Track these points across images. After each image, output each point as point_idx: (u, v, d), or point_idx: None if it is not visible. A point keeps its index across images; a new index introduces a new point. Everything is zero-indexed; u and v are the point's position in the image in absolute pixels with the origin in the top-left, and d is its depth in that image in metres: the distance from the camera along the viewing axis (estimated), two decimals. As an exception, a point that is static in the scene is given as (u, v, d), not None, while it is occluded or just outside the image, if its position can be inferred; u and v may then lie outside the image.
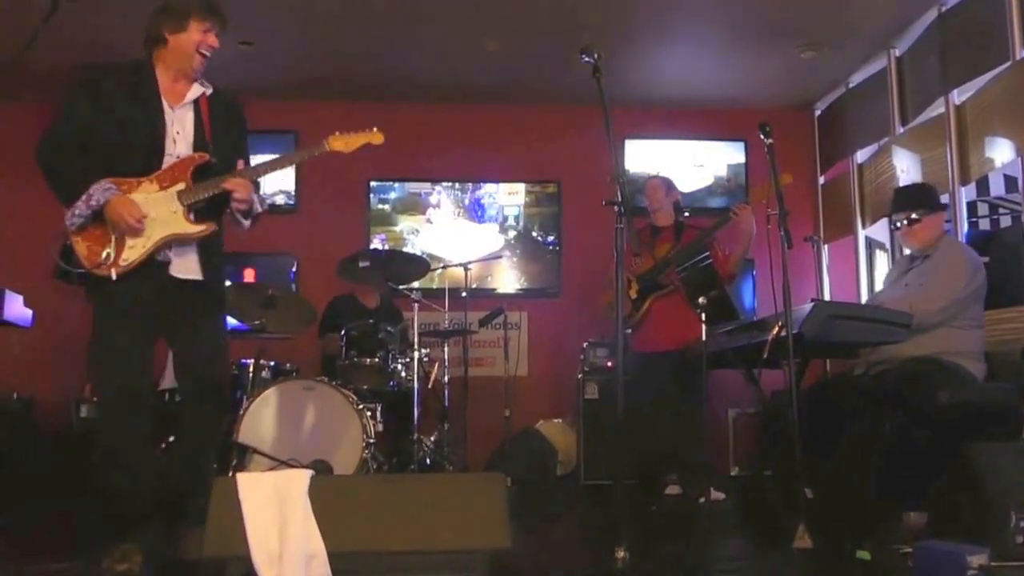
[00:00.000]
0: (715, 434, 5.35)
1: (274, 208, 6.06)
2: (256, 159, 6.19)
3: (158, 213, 2.69)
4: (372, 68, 5.64)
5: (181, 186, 2.72)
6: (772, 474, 3.96)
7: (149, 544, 2.60)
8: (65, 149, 2.73)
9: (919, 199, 3.65)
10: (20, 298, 3.10)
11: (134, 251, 2.65)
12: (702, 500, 4.15)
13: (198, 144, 2.81)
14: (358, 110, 6.10)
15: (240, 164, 2.85)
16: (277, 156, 2.89)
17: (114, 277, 2.62)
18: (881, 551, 2.70)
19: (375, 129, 2.97)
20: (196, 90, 2.88)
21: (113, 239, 2.65)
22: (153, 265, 2.71)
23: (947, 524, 2.84)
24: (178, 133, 2.81)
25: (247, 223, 2.88)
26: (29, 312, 3.19)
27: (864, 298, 5.66)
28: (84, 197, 2.62)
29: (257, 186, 2.90)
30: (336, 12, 4.84)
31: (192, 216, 2.73)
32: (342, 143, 2.91)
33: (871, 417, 3.07)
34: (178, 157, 2.78)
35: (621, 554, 2.53)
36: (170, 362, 4.02)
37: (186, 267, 2.81)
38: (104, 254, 2.62)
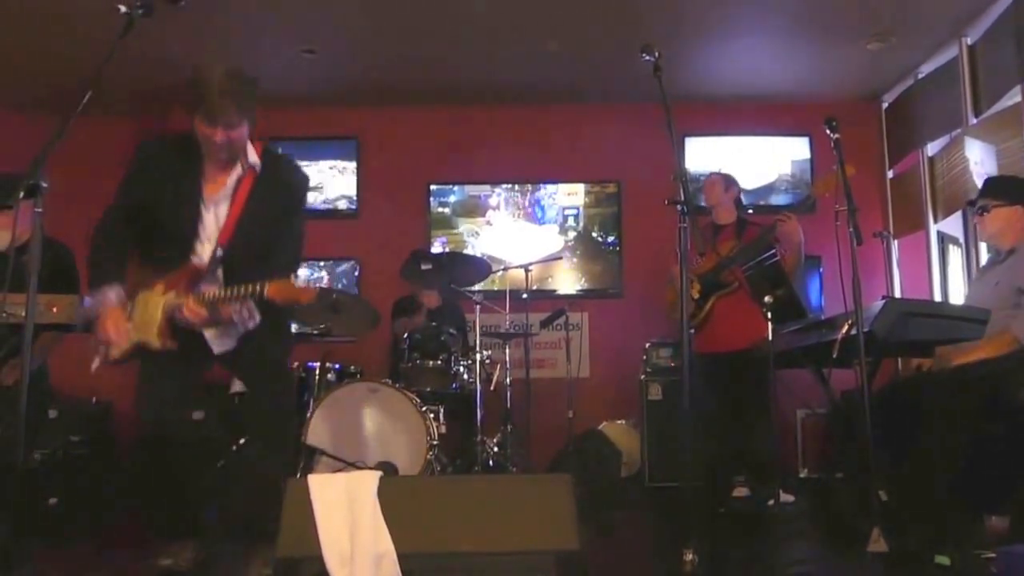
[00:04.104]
0: (783, 435, 5.24)
1: (336, 213, 6.18)
2: (320, 165, 6.34)
3: (147, 316, 2.75)
4: (432, 72, 5.69)
5: (171, 296, 2.75)
6: (843, 476, 3.87)
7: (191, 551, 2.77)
8: (108, 232, 2.82)
9: (996, 189, 3.54)
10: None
11: (118, 351, 2.74)
12: (771, 502, 4.08)
13: (223, 245, 2.79)
14: (417, 114, 6.18)
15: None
16: (231, 290, 2.68)
17: (93, 368, 2.79)
18: (962, 556, 2.61)
19: (311, 286, 2.92)
20: (236, 173, 2.82)
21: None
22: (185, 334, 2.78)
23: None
24: (204, 230, 2.81)
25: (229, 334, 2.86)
26: (106, 318, 3.28)
27: (937, 295, 5.49)
28: (95, 297, 2.71)
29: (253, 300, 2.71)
30: (396, 18, 4.90)
31: (165, 332, 2.73)
32: (278, 291, 2.63)
33: (949, 417, 2.97)
34: (196, 258, 2.80)
35: (689, 556, 2.51)
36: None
37: (220, 343, 2.89)
38: (101, 348, 2.77)
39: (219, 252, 2.78)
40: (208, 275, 2.80)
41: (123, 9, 2.45)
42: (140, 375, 2.86)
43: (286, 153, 3.14)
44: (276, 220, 2.85)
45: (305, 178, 3.05)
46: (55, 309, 2.95)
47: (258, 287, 2.61)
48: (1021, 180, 3.74)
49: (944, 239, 5.59)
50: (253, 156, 2.83)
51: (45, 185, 2.24)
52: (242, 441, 4.47)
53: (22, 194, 2.23)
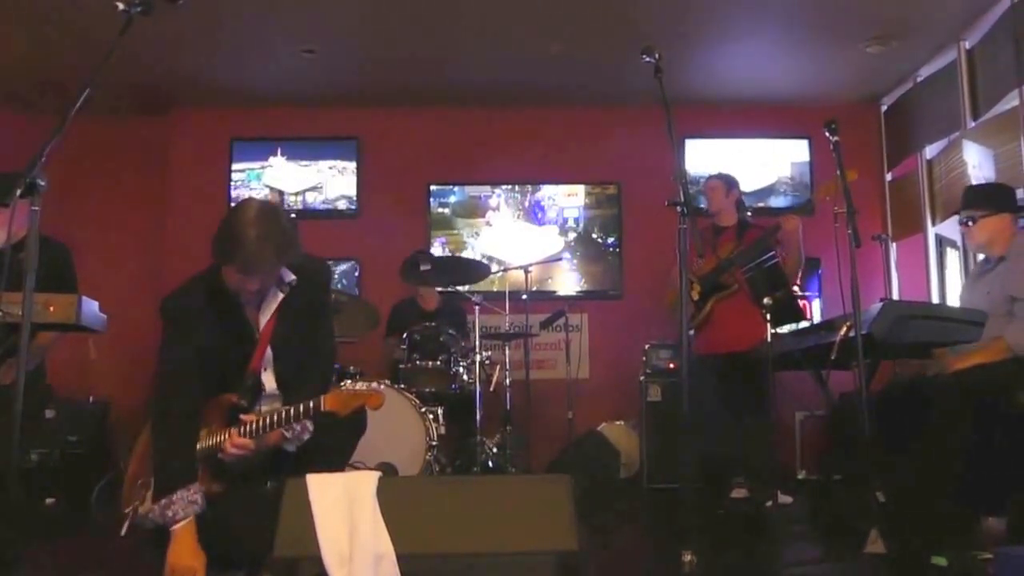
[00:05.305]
0: (782, 437, 5.25)
1: (336, 213, 6.18)
2: (320, 165, 6.31)
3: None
4: (432, 73, 5.69)
5: (203, 435, 2.56)
6: (841, 478, 3.87)
7: None
8: (169, 413, 2.49)
9: (981, 199, 3.55)
10: (96, 303, 3.19)
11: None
12: (769, 503, 4.08)
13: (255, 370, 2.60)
14: (417, 115, 6.18)
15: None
16: (276, 411, 2.46)
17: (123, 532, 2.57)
18: (959, 557, 2.62)
19: (379, 387, 2.53)
20: (276, 298, 2.61)
21: None
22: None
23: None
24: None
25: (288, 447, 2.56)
26: (104, 317, 3.28)
27: (935, 297, 5.50)
28: (164, 504, 2.34)
29: (292, 418, 2.44)
30: (396, 18, 4.90)
31: (207, 478, 2.49)
32: (339, 403, 2.41)
33: (947, 419, 2.97)
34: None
35: (688, 557, 2.50)
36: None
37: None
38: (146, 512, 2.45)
39: (250, 379, 2.59)
40: (251, 403, 2.60)
41: (121, 7, 2.44)
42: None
43: (308, 255, 2.72)
44: (304, 326, 2.64)
45: (326, 268, 2.85)
46: (52, 308, 2.94)
47: (311, 404, 2.38)
48: (1003, 187, 3.74)
49: (942, 242, 5.60)
50: (289, 275, 2.59)
51: (43, 183, 2.23)
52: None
53: (18, 192, 2.22)
